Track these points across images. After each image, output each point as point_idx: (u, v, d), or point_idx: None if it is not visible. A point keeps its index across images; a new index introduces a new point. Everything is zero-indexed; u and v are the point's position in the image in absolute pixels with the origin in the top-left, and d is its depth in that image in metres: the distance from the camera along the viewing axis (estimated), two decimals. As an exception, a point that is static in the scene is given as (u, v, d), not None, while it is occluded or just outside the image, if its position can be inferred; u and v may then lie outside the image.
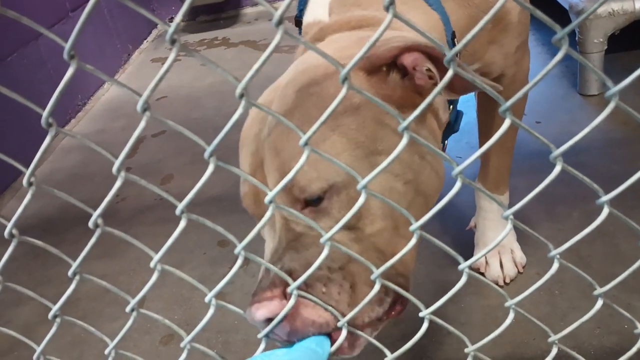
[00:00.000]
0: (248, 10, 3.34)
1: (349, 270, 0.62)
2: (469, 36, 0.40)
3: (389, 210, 0.62)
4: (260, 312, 0.58)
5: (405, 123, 0.44)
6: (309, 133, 0.45)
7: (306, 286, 0.59)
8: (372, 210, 0.62)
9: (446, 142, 0.98)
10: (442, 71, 0.60)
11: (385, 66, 0.63)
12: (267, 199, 0.48)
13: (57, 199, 0.43)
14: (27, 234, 0.46)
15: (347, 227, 0.61)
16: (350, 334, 0.59)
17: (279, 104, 0.64)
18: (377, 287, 0.54)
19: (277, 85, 0.69)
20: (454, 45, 0.78)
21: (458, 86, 0.62)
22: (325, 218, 0.62)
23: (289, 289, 0.55)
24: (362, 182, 0.47)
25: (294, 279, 0.55)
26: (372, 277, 0.54)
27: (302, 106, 0.62)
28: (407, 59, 0.61)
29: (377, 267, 0.55)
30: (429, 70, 0.61)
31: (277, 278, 0.59)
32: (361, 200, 0.48)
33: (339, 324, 0.57)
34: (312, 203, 0.61)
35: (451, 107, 0.91)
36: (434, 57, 0.60)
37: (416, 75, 0.62)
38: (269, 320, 0.58)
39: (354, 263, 0.62)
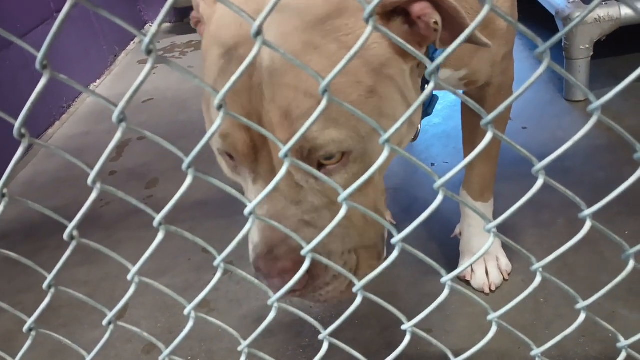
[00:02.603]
0: (236, 12, 3.31)
1: (353, 235, 0.65)
2: (454, 45, 0.39)
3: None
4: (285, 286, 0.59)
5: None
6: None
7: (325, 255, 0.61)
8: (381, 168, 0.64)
9: (419, 125, 0.98)
10: (447, 23, 0.59)
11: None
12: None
13: (39, 204, 0.42)
14: (8, 239, 0.45)
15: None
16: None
17: (283, 42, 0.57)
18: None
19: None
20: None
21: (450, 39, 0.60)
22: (336, 177, 0.61)
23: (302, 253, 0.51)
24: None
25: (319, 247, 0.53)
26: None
27: (320, 48, 0.57)
28: (416, 7, 0.59)
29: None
30: (435, 22, 0.59)
31: (291, 243, 0.58)
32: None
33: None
34: (325, 159, 0.60)
35: (426, 87, 0.90)
36: (442, 9, 0.58)
37: (421, 25, 0.60)
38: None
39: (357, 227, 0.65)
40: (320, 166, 0.60)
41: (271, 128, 0.58)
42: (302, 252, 0.51)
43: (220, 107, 0.43)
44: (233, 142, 0.60)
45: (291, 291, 0.61)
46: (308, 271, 0.58)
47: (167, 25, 3.27)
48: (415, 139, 0.98)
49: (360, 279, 0.65)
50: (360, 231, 0.66)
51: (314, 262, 0.61)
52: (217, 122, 0.43)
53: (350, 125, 0.58)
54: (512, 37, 0.90)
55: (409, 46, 0.42)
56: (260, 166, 0.61)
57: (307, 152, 0.58)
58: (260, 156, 0.60)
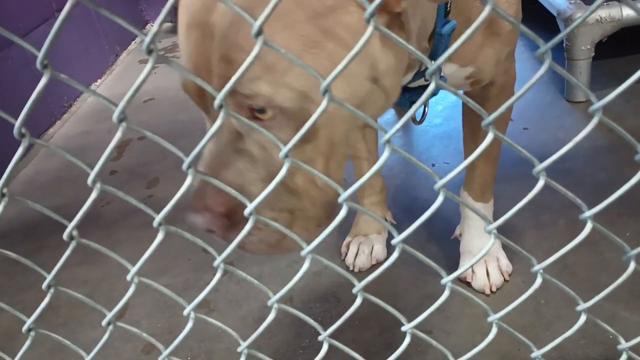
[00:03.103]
0: (237, 12, 3.30)
1: (290, 186, 0.62)
2: (458, 42, 0.39)
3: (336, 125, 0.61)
4: (207, 223, 0.61)
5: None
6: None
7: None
8: (322, 123, 0.60)
9: (426, 107, 0.97)
10: None
11: None
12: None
13: (39, 203, 0.42)
14: (8, 238, 0.45)
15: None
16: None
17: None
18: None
19: None
20: (446, 11, 0.73)
21: None
22: (274, 130, 0.57)
23: (246, 212, 0.48)
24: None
25: (247, 196, 0.49)
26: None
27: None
28: None
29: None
30: None
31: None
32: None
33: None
34: (258, 112, 0.58)
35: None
36: None
37: None
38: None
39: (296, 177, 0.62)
40: (255, 120, 0.59)
41: (215, 70, 0.59)
42: (245, 213, 0.48)
43: (220, 107, 0.43)
44: (187, 87, 0.64)
45: (210, 230, 0.62)
46: (227, 215, 0.60)
47: (168, 25, 3.26)
48: (422, 121, 0.98)
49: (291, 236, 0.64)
50: (299, 193, 0.63)
51: (235, 208, 0.60)
52: (217, 122, 0.43)
53: (284, 80, 0.56)
54: (516, 37, 0.91)
55: (410, 46, 0.42)
56: (209, 106, 0.63)
57: (240, 98, 0.58)
58: (209, 97, 0.61)
